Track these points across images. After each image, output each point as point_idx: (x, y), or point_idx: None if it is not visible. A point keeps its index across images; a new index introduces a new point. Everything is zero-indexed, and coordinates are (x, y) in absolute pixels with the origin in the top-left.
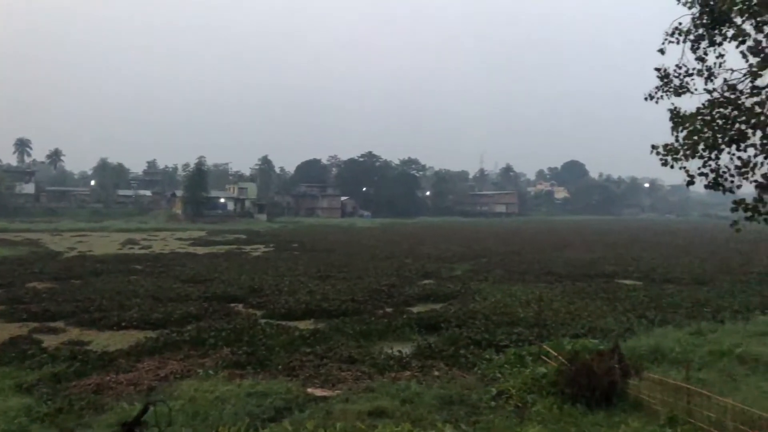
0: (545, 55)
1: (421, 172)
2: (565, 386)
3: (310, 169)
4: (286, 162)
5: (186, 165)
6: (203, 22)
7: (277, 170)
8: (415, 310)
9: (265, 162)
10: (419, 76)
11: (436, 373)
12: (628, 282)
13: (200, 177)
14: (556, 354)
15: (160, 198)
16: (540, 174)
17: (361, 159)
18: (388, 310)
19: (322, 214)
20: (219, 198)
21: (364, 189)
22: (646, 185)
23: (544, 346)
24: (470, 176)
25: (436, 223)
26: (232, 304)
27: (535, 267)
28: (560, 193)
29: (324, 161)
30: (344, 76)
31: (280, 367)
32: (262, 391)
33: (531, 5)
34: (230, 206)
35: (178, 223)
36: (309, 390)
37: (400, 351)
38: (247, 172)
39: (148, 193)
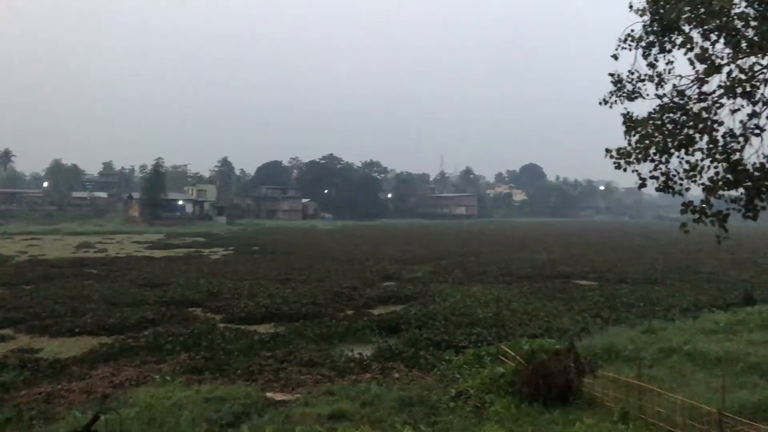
0: (504, 61)
1: (382, 175)
2: (522, 386)
3: (271, 171)
4: (247, 164)
5: (143, 166)
6: (160, 23)
7: (237, 172)
8: (375, 312)
9: (225, 164)
10: (381, 78)
11: (396, 374)
12: (584, 282)
13: (158, 179)
14: (513, 354)
15: (117, 200)
16: (499, 177)
17: (322, 161)
18: (349, 312)
19: (283, 217)
20: (177, 200)
21: (326, 191)
22: (602, 188)
23: (503, 347)
24: (431, 179)
25: (398, 225)
26: (191, 309)
27: (494, 268)
28: (519, 196)
29: (285, 163)
30: (306, 77)
31: (239, 371)
32: (221, 397)
33: (490, 12)
34: (189, 209)
35: (135, 226)
36: (268, 394)
37: (360, 353)
38: (206, 174)
39: (103, 195)
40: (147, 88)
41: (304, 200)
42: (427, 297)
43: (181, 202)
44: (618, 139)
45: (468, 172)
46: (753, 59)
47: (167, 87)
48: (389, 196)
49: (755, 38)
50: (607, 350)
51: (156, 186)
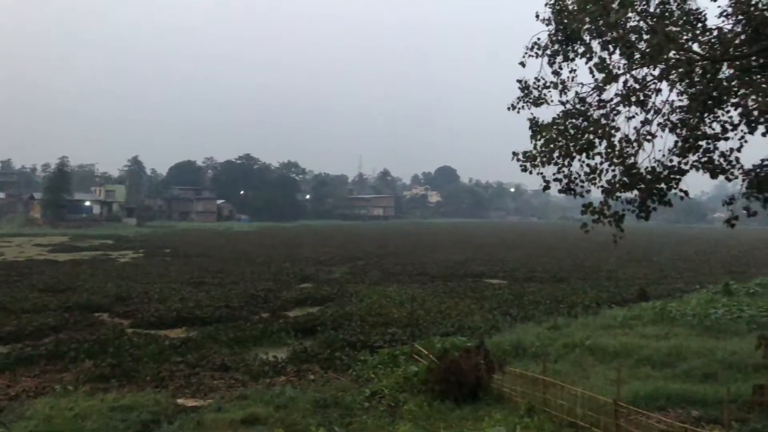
0: (421, 64)
1: (301, 176)
2: (434, 384)
3: (185, 171)
4: (159, 163)
5: (46, 165)
6: (56, 5)
7: (149, 172)
8: (291, 314)
9: (135, 163)
10: (301, 78)
11: (312, 376)
12: (494, 281)
13: (62, 178)
14: (427, 353)
15: (16, 201)
16: (415, 179)
17: (238, 161)
18: (265, 315)
19: (196, 219)
20: (83, 201)
21: (242, 192)
22: (512, 190)
23: (416, 346)
24: (350, 180)
25: (316, 226)
26: (97, 314)
27: (410, 268)
28: (434, 197)
29: (199, 163)
30: (221, 73)
31: (148, 378)
32: (128, 405)
33: (406, 14)
34: (96, 210)
35: (36, 228)
36: (179, 401)
37: (275, 356)
38: (115, 174)
39: (1, 195)
40: (50, 84)
41: (219, 201)
42: (343, 298)
43: (87, 203)
44: (526, 143)
45: (385, 173)
46: (646, 70)
47: (74, 81)
48: (307, 197)
49: (647, 50)
50: (515, 347)
51: (60, 186)
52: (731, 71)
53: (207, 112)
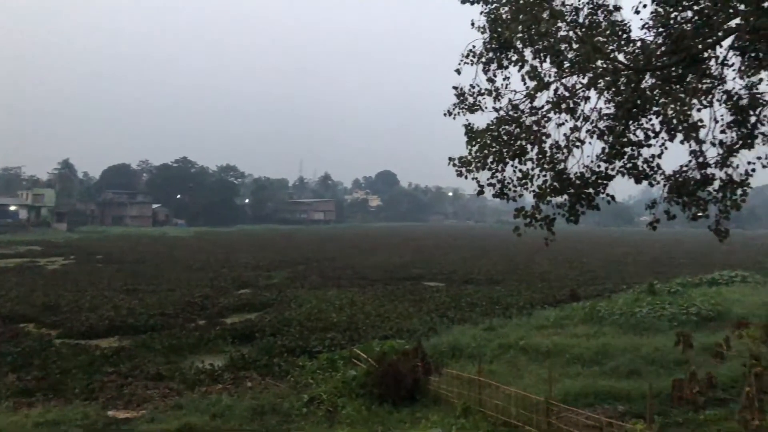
0: (363, 68)
1: (239, 180)
2: (373, 387)
3: (118, 175)
4: (91, 166)
5: None
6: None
7: (81, 175)
8: (229, 321)
9: (66, 166)
10: (239, 80)
11: (249, 384)
12: (432, 284)
13: None
14: (365, 356)
15: None
16: (356, 183)
17: (175, 164)
18: (201, 322)
19: (131, 223)
20: (8, 206)
21: (179, 196)
22: (450, 194)
23: (355, 350)
24: (290, 184)
25: (255, 231)
26: (22, 325)
27: (350, 272)
28: (374, 201)
29: (134, 166)
30: (157, 74)
31: (76, 390)
32: (55, 420)
33: (352, 19)
34: (23, 215)
35: None
36: (110, 413)
37: (212, 364)
38: (44, 177)
39: None
40: None
41: (154, 206)
42: (283, 303)
43: (13, 208)
44: (463, 148)
45: (326, 177)
46: (575, 78)
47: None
48: (246, 201)
49: (576, 59)
50: (452, 348)
51: None
52: (653, 81)
53: (143, 114)
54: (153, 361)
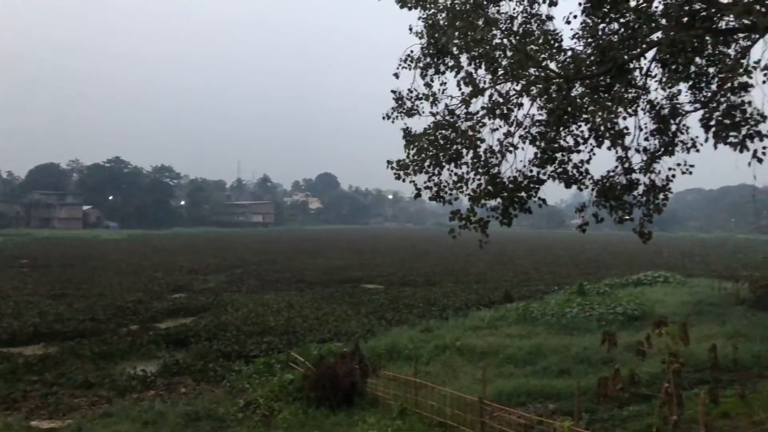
0: (305, 69)
1: (175, 181)
2: (310, 391)
3: (46, 175)
4: (16, 165)
5: None
6: None
7: (4, 175)
8: (163, 325)
9: None
10: (175, 77)
11: (183, 389)
12: (371, 286)
13: None
14: (303, 360)
15: None
16: (296, 185)
17: (107, 165)
18: (133, 327)
19: (59, 226)
20: None
21: (111, 197)
22: (390, 197)
23: (293, 353)
24: (228, 186)
25: (191, 233)
26: None
27: (288, 275)
28: (314, 204)
29: (63, 166)
30: (88, 68)
31: None
32: None
33: (295, 16)
34: None
35: None
36: (33, 423)
37: (144, 370)
38: None
39: None
40: None
41: (85, 207)
42: (219, 307)
43: None
44: (402, 151)
45: (266, 179)
46: (509, 85)
47: None
48: (182, 203)
49: (510, 67)
50: (389, 350)
51: None
52: (582, 89)
53: (72, 111)
54: (81, 369)
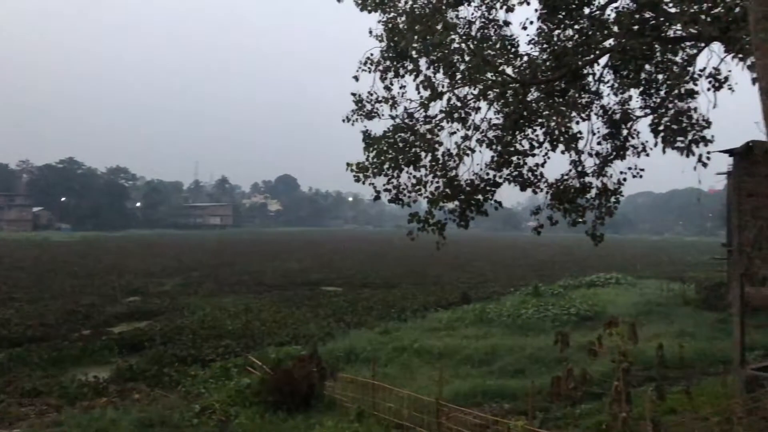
0: (259, 69)
1: (131, 182)
2: (267, 395)
3: None
4: None
5: None
6: None
7: None
8: (117, 330)
9: None
10: (132, 76)
11: (137, 395)
12: (330, 289)
13: None
14: (261, 364)
15: None
16: (255, 187)
17: (59, 165)
18: (86, 332)
19: (7, 228)
20: None
21: (63, 199)
22: (350, 199)
23: (250, 357)
24: (185, 187)
25: (147, 236)
26: None
27: (246, 278)
28: (274, 206)
29: (12, 166)
30: (39, 64)
31: None
32: None
33: (256, 12)
34: None
35: None
36: None
37: (96, 376)
38: None
39: None
40: None
41: (35, 209)
42: (175, 311)
43: None
44: (362, 153)
45: (224, 181)
46: (467, 89)
47: None
48: (138, 205)
49: (467, 71)
50: (348, 353)
51: None
52: (538, 94)
53: (23, 109)
54: (30, 376)
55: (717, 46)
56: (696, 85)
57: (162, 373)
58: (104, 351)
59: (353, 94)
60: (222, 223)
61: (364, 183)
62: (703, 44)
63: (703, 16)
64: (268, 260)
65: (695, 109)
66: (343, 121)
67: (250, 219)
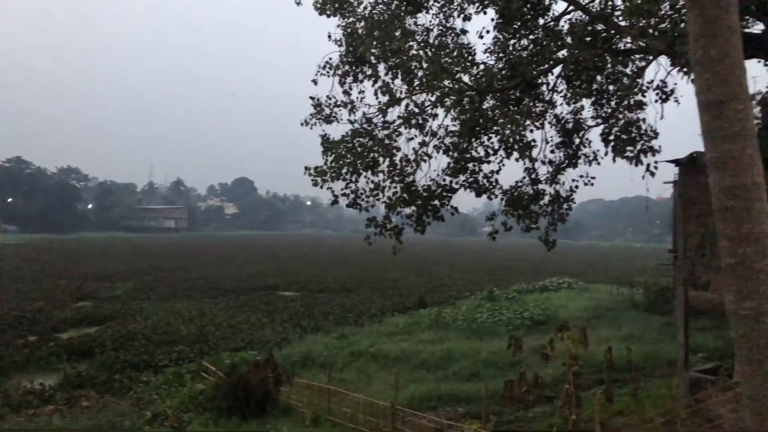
0: (218, 71)
1: (82, 183)
2: (222, 400)
3: None
4: None
5: None
6: None
7: None
8: (65, 336)
9: None
10: (83, 73)
11: (86, 403)
12: (287, 293)
13: None
14: (215, 369)
15: None
16: (211, 189)
17: (6, 164)
18: (32, 338)
19: None
20: None
21: (10, 200)
22: (308, 203)
23: (204, 363)
24: (139, 189)
25: (99, 238)
26: None
27: (201, 283)
28: (230, 209)
29: None
30: None
31: None
32: None
33: (211, 16)
34: None
35: None
36: None
37: (42, 384)
38: None
39: None
40: None
41: None
42: (127, 316)
43: None
44: (320, 157)
45: (179, 183)
46: (424, 96)
47: None
48: (90, 206)
49: (425, 78)
50: (304, 358)
51: None
52: (494, 102)
53: None
54: None
55: (664, 60)
56: (644, 96)
57: (112, 379)
58: (51, 357)
59: (312, 98)
60: (177, 226)
61: (322, 187)
62: (651, 57)
63: (651, 30)
64: (223, 264)
65: (644, 119)
66: (302, 124)
67: (205, 222)
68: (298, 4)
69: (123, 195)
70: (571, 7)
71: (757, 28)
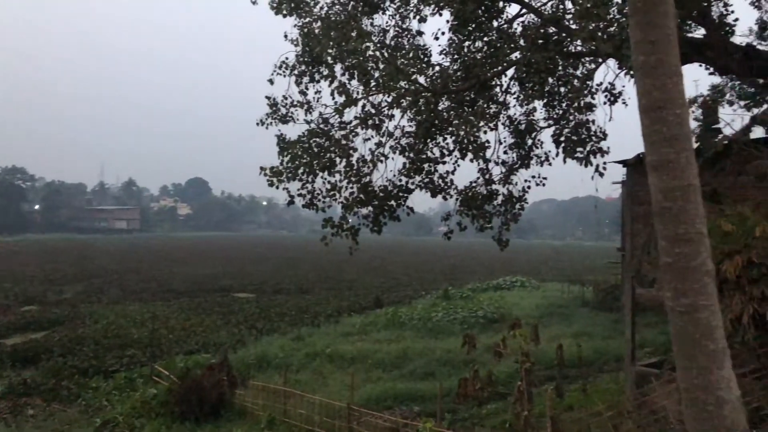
0: (167, 70)
1: (29, 183)
2: (175, 405)
3: None
4: None
5: None
6: None
7: None
8: (10, 342)
9: None
10: (28, 69)
11: (31, 411)
12: (242, 295)
13: None
14: (167, 373)
15: None
16: (164, 190)
17: None
18: None
19: None
20: None
21: None
22: (264, 203)
23: (157, 367)
24: (89, 189)
25: (46, 240)
26: None
27: (154, 285)
28: (184, 210)
29: None
30: None
31: None
32: None
33: (174, 17)
34: None
35: None
36: None
37: None
38: None
39: None
40: None
41: None
42: (76, 320)
43: None
44: (276, 158)
45: (131, 183)
46: (381, 97)
47: None
48: (36, 207)
49: (381, 79)
50: (259, 360)
51: None
52: (449, 103)
53: None
54: None
55: (612, 63)
56: (594, 98)
57: (60, 386)
58: None
59: (267, 98)
60: (128, 227)
61: (278, 188)
62: (600, 60)
63: (600, 34)
64: (176, 266)
65: (593, 121)
66: (258, 124)
67: (158, 223)
68: (254, 3)
69: (72, 195)
70: (524, 10)
71: (699, 33)
